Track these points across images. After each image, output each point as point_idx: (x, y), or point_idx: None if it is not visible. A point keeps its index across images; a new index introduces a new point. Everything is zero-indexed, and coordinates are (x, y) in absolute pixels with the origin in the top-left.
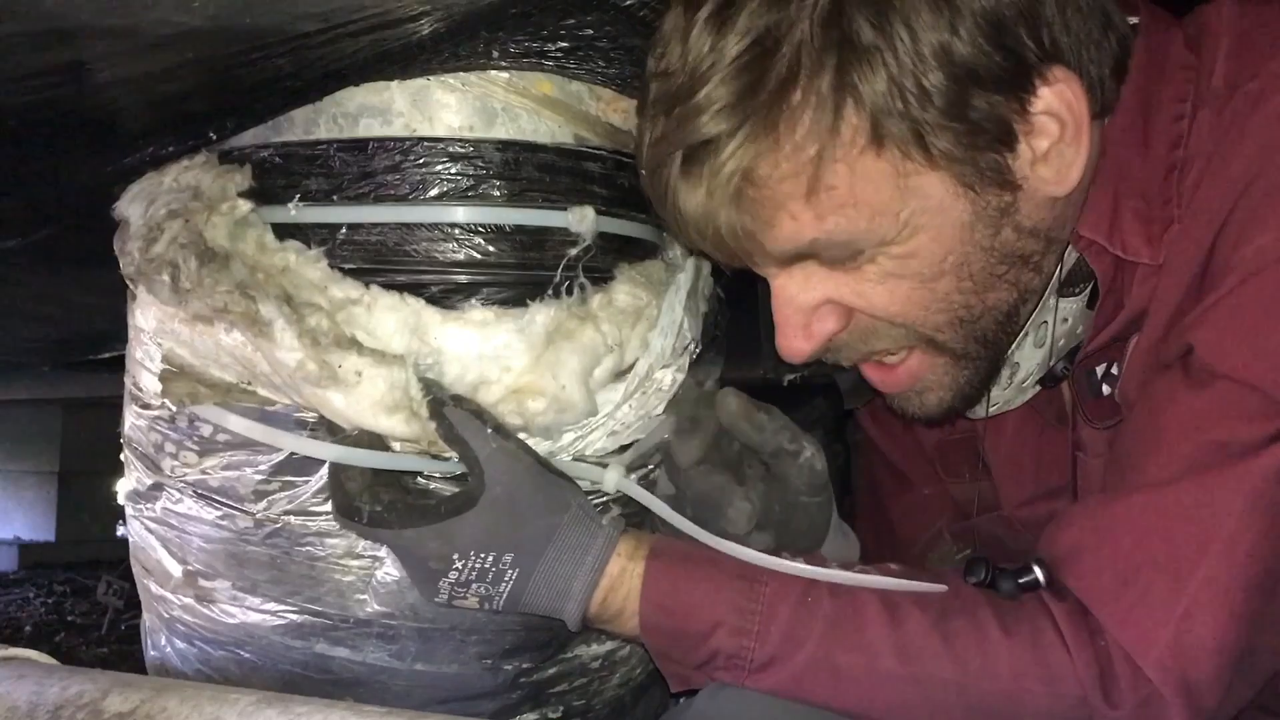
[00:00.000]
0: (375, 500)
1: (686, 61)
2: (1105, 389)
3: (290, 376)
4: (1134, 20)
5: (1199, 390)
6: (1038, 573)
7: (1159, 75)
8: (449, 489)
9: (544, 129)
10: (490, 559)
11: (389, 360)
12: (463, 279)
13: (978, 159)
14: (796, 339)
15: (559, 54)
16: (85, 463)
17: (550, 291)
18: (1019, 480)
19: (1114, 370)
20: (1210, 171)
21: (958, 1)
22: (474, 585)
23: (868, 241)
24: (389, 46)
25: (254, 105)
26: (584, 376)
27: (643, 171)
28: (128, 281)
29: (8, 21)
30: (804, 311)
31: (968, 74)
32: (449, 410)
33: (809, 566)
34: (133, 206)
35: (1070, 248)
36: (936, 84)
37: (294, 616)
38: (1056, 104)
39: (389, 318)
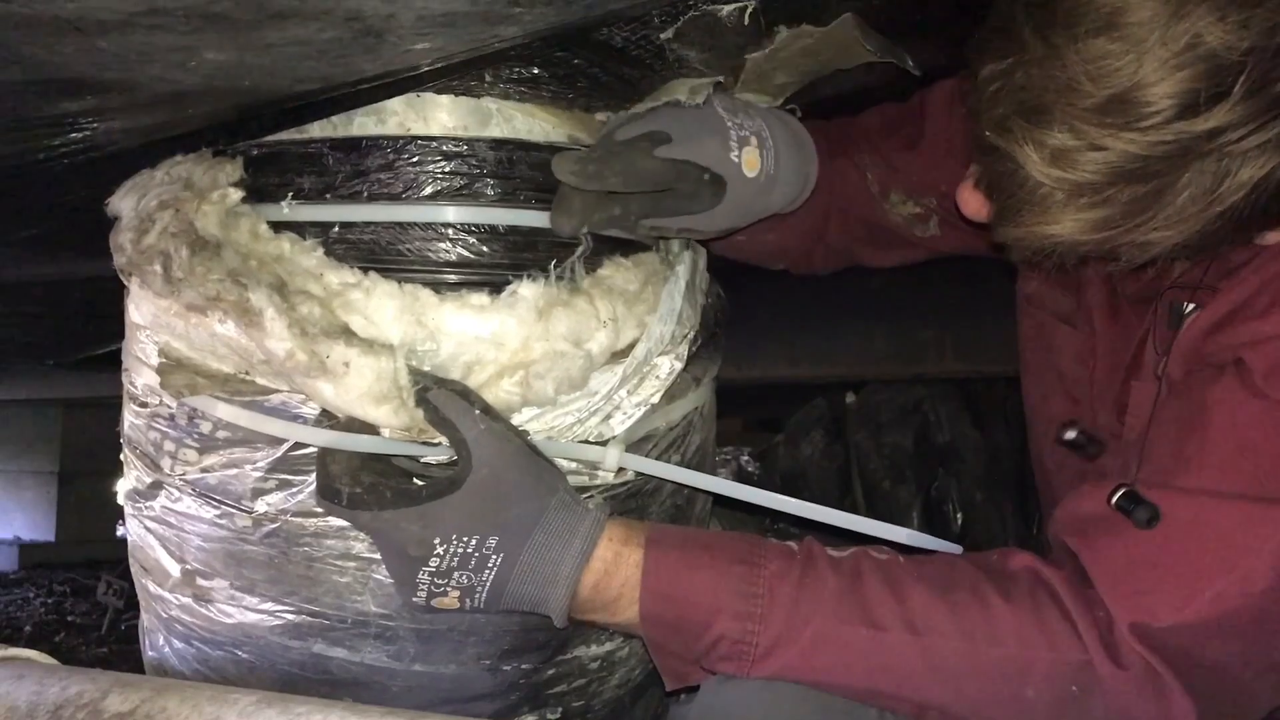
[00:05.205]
0: (355, 483)
1: None
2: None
3: (281, 365)
4: None
5: (1252, 400)
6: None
7: None
8: (441, 476)
9: (538, 129)
10: (474, 543)
11: (377, 350)
12: (455, 278)
13: None
14: None
15: (551, 81)
16: (85, 463)
17: (543, 275)
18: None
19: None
20: None
21: None
22: (456, 574)
23: None
24: (388, 83)
25: (249, 126)
26: (577, 340)
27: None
28: (121, 276)
29: (12, 68)
30: None
31: None
32: (434, 393)
33: (846, 514)
34: (125, 201)
35: None
36: None
37: (291, 616)
38: None
39: (388, 303)
